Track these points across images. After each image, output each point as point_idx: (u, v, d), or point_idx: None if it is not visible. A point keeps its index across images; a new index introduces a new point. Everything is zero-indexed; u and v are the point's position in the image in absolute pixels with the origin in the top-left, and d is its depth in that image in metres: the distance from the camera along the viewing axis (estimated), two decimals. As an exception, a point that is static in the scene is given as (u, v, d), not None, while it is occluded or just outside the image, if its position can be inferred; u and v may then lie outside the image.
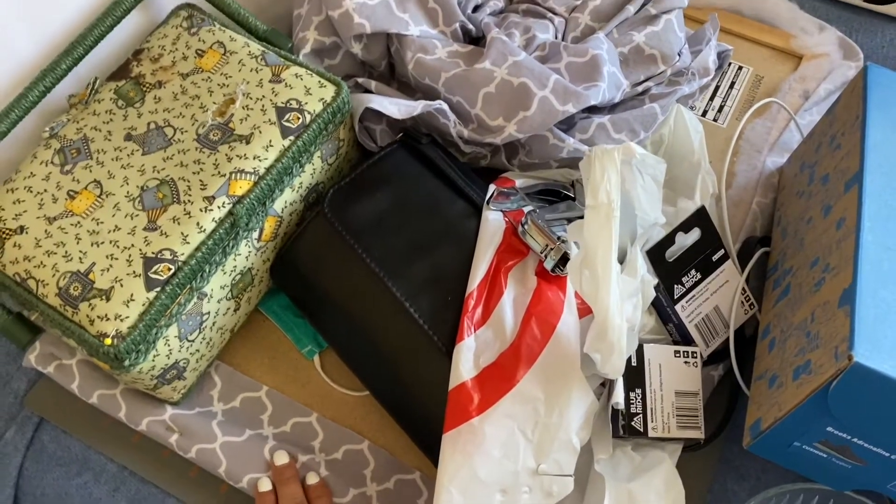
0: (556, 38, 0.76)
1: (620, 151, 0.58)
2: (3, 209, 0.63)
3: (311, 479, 0.67)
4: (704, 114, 0.86)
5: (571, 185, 0.75)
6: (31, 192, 0.64)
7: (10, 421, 0.73)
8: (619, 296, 0.58)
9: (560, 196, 0.74)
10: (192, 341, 0.65)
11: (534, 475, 0.58)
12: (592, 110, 0.74)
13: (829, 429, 0.56)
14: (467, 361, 0.61)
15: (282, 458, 0.67)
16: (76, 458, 0.71)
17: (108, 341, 0.58)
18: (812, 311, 0.60)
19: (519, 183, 0.73)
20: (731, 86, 0.88)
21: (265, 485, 0.66)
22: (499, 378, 0.61)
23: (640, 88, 0.75)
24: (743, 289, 0.71)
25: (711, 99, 0.87)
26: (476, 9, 0.77)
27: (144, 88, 0.68)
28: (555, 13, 0.78)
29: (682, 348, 0.67)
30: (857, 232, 0.59)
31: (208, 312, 0.65)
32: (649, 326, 0.69)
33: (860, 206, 0.60)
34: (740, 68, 0.89)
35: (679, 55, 0.76)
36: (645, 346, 0.66)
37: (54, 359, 0.72)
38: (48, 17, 0.67)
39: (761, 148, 0.83)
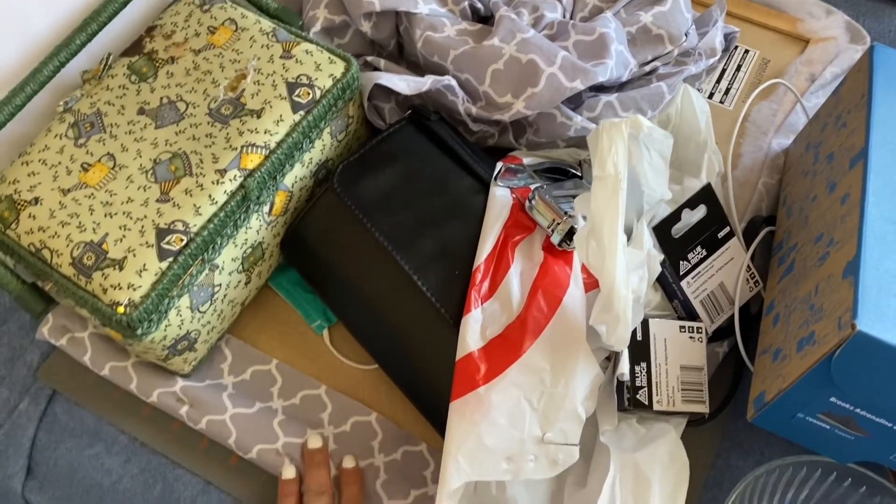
0: (564, 17, 0.77)
1: (628, 124, 0.59)
2: (18, 181, 0.64)
3: (348, 462, 0.66)
4: (711, 96, 0.87)
5: (579, 165, 0.75)
6: (46, 164, 0.65)
7: (24, 393, 0.74)
8: (625, 267, 0.58)
9: (567, 175, 0.75)
10: (204, 313, 0.66)
11: (539, 443, 0.58)
12: (600, 89, 0.75)
13: (833, 399, 0.57)
14: (474, 333, 0.62)
15: (315, 442, 0.67)
16: (88, 430, 0.72)
17: (120, 310, 0.59)
18: (816, 284, 0.61)
19: (526, 161, 0.73)
20: (738, 69, 0.88)
21: (289, 472, 0.66)
22: (505, 349, 0.61)
23: (647, 68, 0.76)
24: (748, 266, 0.72)
25: (718, 81, 0.87)
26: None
27: (157, 64, 0.68)
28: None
29: (687, 323, 0.68)
30: (862, 205, 0.59)
31: (220, 284, 0.66)
32: (655, 302, 0.70)
33: (865, 181, 0.61)
34: (747, 52, 0.89)
35: (686, 36, 0.76)
36: (650, 320, 0.67)
37: (67, 331, 0.73)
38: (63, -7, 0.68)
39: (767, 130, 0.83)
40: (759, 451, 0.69)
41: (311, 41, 0.69)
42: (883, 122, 0.65)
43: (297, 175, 0.69)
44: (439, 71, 0.73)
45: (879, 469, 0.62)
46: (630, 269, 0.60)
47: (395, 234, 0.66)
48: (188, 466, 0.70)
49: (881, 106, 0.66)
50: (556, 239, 0.65)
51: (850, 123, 0.68)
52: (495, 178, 0.69)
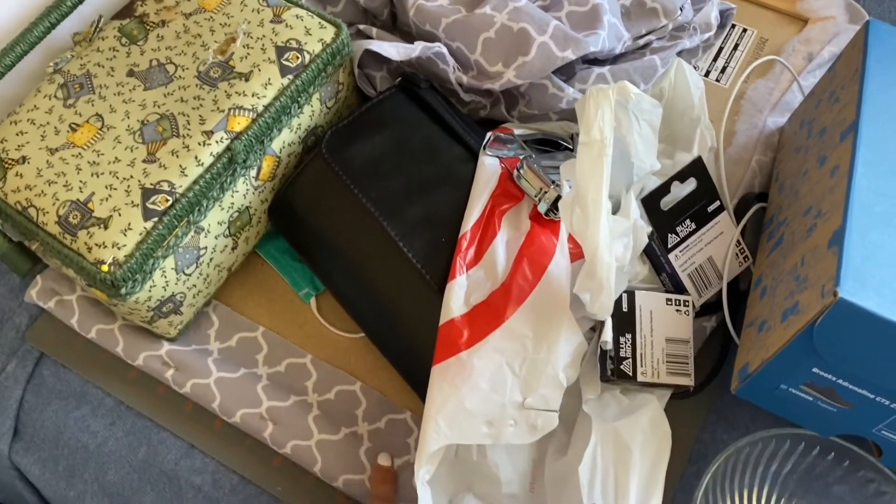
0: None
1: (615, 90, 0.59)
2: (6, 140, 0.64)
3: (383, 460, 0.66)
4: (707, 74, 0.86)
5: (570, 138, 0.75)
6: (34, 124, 0.65)
7: (12, 355, 0.74)
8: (610, 234, 0.58)
9: (558, 147, 0.74)
10: (189, 275, 0.66)
11: (520, 409, 0.58)
12: (593, 62, 0.75)
13: (815, 370, 0.57)
14: (458, 299, 0.62)
15: (385, 461, 0.65)
16: (75, 392, 0.72)
17: (104, 268, 0.59)
18: (802, 255, 0.60)
19: (517, 132, 0.73)
20: (735, 47, 0.88)
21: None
22: (488, 315, 0.61)
23: (640, 42, 0.76)
24: (738, 241, 0.71)
25: (715, 59, 0.87)
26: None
27: (148, 27, 0.68)
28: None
29: (674, 296, 0.68)
30: (850, 177, 0.59)
31: (205, 248, 0.66)
32: (642, 275, 0.70)
33: (854, 153, 0.60)
34: (745, 30, 0.89)
35: (681, 10, 0.76)
36: (637, 292, 0.67)
37: (55, 294, 0.73)
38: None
39: (763, 108, 0.83)
40: (744, 426, 0.69)
41: (301, 6, 0.68)
42: (875, 96, 0.64)
43: (285, 140, 0.68)
44: (431, 39, 0.72)
45: (862, 444, 0.62)
46: (614, 236, 0.60)
47: (383, 200, 0.66)
48: (173, 430, 0.70)
49: (874, 80, 0.65)
50: (542, 208, 0.65)
51: (843, 98, 0.67)
52: (484, 147, 0.69)
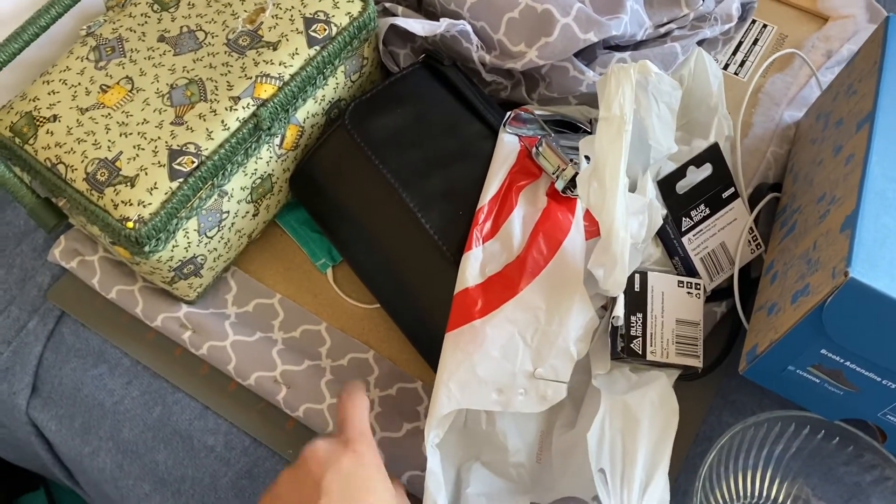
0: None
1: (636, 69, 0.60)
2: (38, 99, 0.66)
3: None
4: (726, 67, 0.87)
5: (589, 123, 0.76)
6: (66, 84, 0.66)
7: (33, 312, 0.76)
8: (626, 210, 0.59)
9: (577, 130, 0.75)
10: (211, 238, 0.68)
11: (530, 378, 0.59)
12: (614, 48, 0.76)
13: (823, 351, 0.57)
14: (473, 269, 0.63)
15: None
16: (93, 351, 0.74)
17: (129, 225, 0.61)
18: (815, 240, 0.61)
19: (537, 112, 0.74)
20: (755, 42, 0.89)
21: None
22: (503, 286, 0.62)
23: (662, 30, 0.76)
24: (751, 228, 0.72)
25: (734, 53, 0.88)
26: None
27: (179, -5, 0.70)
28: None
29: (685, 279, 0.68)
30: (865, 164, 0.60)
31: (228, 212, 0.68)
32: (655, 257, 0.71)
33: (870, 141, 0.61)
34: (765, 26, 0.90)
35: (703, 0, 0.77)
36: (649, 273, 0.68)
37: (77, 254, 0.74)
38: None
39: (780, 101, 0.84)
40: (750, 410, 0.70)
41: (330, -20, 0.70)
42: (892, 88, 0.65)
43: (309, 111, 0.70)
44: (456, 18, 0.74)
45: (867, 429, 0.63)
46: (630, 213, 0.61)
47: (402, 171, 0.67)
48: (187, 391, 0.71)
49: (892, 72, 0.66)
50: (560, 185, 0.66)
51: (861, 90, 0.68)
52: (504, 125, 0.70)
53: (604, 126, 0.59)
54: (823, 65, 0.85)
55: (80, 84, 0.66)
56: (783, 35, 0.89)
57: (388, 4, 0.77)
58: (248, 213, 0.70)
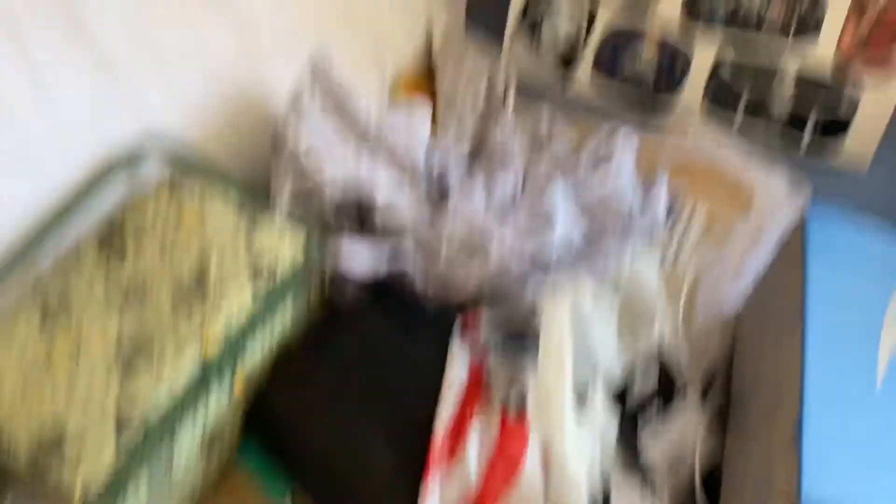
0: (514, 188, 0.82)
1: (573, 293, 0.62)
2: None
3: None
4: (660, 257, 0.90)
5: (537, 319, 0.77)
6: (11, 348, 0.66)
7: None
8: (577, 436, 0.60)
9: (525, 337, 0.77)
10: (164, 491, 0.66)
11: None
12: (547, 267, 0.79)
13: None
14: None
15: None
16: None
17: (77, 495, 0.59)
18: (767, 450, 0.62)
19: (486, 319, 0.75)
20: (684, 229, 0.93)
21: None
22: (464, 524, 0.61)
23: (595, 236, 0.80)
24: (705, 423, 0.73)
25: (666, 243, 0.91)
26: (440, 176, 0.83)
27: (126, 249, 0.71)
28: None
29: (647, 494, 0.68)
30: (802, 366, 0.61)
31: (179, 465, 0.66)
32: (614, 462, 0.70)
33: (804, 342, 0.63)
34: (693, 211, 0.94)
35: (631, 206, 0.81)
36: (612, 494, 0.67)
37: (25, 517, 0.72)
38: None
39: (717, 287, 0.86)
40: None
41: (273, 219, 0.72)
42: (818, 281, 0.68)
43: (259, 353, 0.70)
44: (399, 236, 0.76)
45: None
46: (582, 440, 0.61)
47: (353, 406, 0.67)
48: None
49: (817, 265, 0.69)
50: (512, 408, 0.66)
51: (790, 286, 0.71)
52: (454, 341, 0.71)
53: (545, 360, 0.60)
54: (750, 249, 0.89)
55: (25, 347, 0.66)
56: (711, 219, 0.93)
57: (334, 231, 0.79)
58: (199, 463, 0.69)
